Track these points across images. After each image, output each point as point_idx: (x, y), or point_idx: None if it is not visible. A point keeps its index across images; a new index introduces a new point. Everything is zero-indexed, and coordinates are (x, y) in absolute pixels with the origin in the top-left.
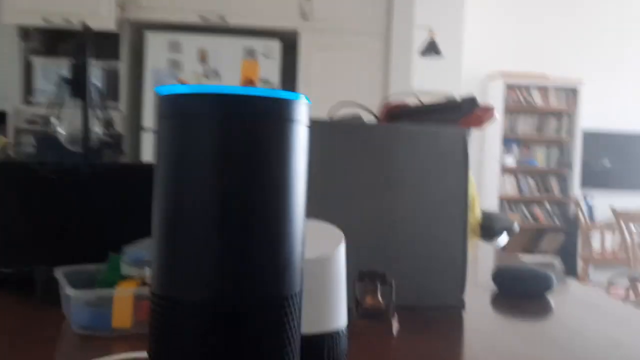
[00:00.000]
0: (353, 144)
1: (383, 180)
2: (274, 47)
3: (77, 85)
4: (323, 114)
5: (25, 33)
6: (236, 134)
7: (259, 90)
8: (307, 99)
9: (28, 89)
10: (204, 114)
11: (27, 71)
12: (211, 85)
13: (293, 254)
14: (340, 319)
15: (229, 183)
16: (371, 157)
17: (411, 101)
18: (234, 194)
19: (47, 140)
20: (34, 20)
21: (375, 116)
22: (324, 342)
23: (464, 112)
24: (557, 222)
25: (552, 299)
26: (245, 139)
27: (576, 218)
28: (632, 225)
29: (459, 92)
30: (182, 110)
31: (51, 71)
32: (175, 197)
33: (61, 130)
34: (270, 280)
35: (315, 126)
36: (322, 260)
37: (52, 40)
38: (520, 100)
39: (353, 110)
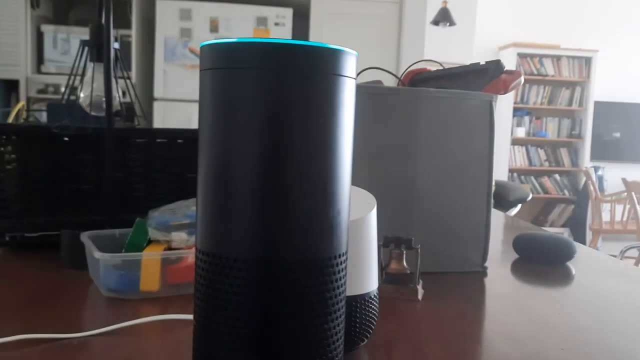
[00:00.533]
0: (378, 108)
1: (408, 146)
2: (286, 15)
3: (97, 48)
4: None
5: (35, 0)
6: (285, 87)
7: (308, 42)
8: (356, 53)
9: (39, 57)
10: (252, 66)
11: (38, 40)
12: (254, 38)
13: (340, 214)
14: (371, 283)
15: (278, 138)
16: (396, 121)
17: (435, 68)
18: (282, 149)
19: (59, 107)
20: None
21: (400, 80)
22: (357, 305)
23: (490, 77)
24: (567, 194)
25: (572, 266)
26: (294, 92)
27: (586, 189)
28: None
29: (471, 62)
30: (227, 62)
31: (61, 40)
32: (221, 153)
33: (82, 96)
34: (317, 239)
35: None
36: (356, 223)
37: (62, 8)
38: (533, 70)
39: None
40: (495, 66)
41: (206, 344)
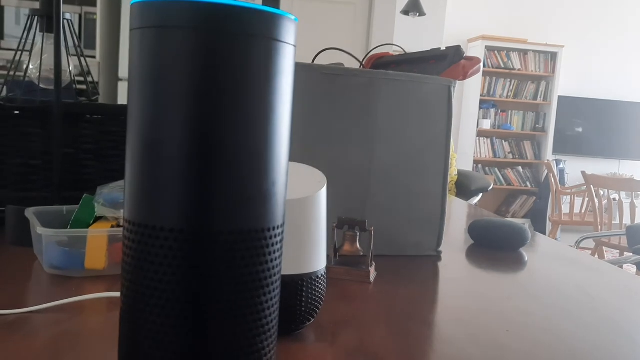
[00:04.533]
0: (336, 90)
1: (364, 127)
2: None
3: (48, 18)
4: None
5: None
6: (217, 49)
7: (245, 3)
8: (296, 19)
9: None
10: (180, 25)
11: None
12: None
13: (275, 185)
14: (319, 262)
15: (209, 104)
16: (354, 103)
17: (396, 54)
18: (213, 116)
19: (18, 82)
20: None
21: (361, 63)
22: (303, 283)
23: (449, 62)
24: (529, 186)
25: (526, 252)
26: (226, 55)
27: (547, 182)
28: (600, 190)
29: None
30: (157, 21)
31: (24, 15)
32: (150, 120)
33: (32, 68)
34: (250, 209)
35: (298, 70)
36: (304, 201)
37: None
38: (500, 63)
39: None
40: (454, 52)
41: (132, 317)
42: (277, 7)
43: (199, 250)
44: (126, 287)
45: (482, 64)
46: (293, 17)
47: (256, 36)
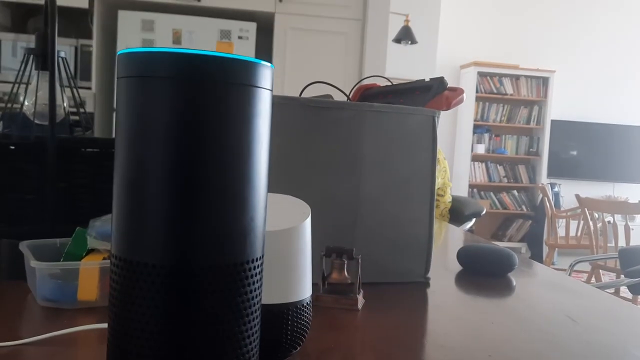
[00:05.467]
0: (322, 122)
1: (351, 158)
2: (250, 29)
3: (43, 56)
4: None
5: None
6: (195, 96)
7: (220, 53)
8: (272, 65)
9: None
10: (162, 75)
11: None
12: (170, 48)
13: (253, 220)
14: (304, 291)
15: (188, 148)
16: (340, 135)
17: (384, 84)
18: (193, 158)
19: (13, 116)
20: None
21: (347, 96)
22: (288, 312)
23: (433, 93)
24: (525, 209)
25: (515, 278)
26: (205, 102)
27: (543, 205)
28: (595, 213)
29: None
30: (140, 71)
31: (20, 48)
32: (134, 160)
33: (28, 104)
34: (229, 244)
35: (284, 104)
36: (288, 232)
37: (20, 16)
38: (492, 89)
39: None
40: (438, 83)
41: (118, 351)
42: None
43: (181, 285)
44: (112, 319)
45: (472, 94)
46: (269, 64)
47: (233, 83)
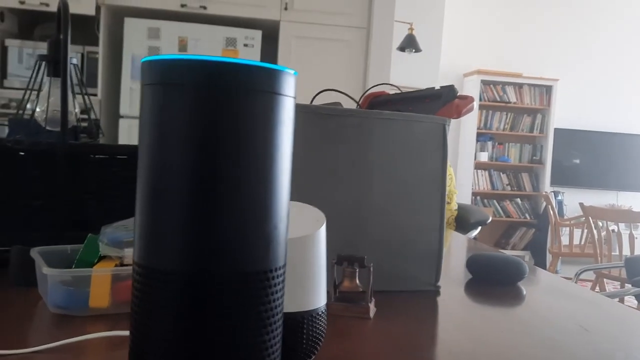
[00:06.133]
0: (332, 129)
1: (361, 166)
2: (255, 36)
3: (55, 63)
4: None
5: (0, 14)
6: (220, 104)
7: (246, 61)
8: (295, 72)
9: (3, 72)
10: (187, 82)
11: (2, 54)
12: (195, 55)
13: (276, 228)
14: (320, 299)
15: (212, 155)
16: (350, 142)
17: (393, 92)
18: (217, 166)
19: (21, 122)
20: (9, 1)
21: (357, 103)
22: (304, 321)
23: (443, 101)
24: (528, 217)
25: (524, 287)
26: (229, 110)
27: (546, 214)
28: (599, 222)
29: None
30: (164, 78)
31: (26, 55)
32: (157, 168)
33: (38, 110)
34: (252, 253)
35: (296, 111)
36: (303, 240)
37: (27, 23)
38: (496, 97)
39: (334, 99)
40: (448, 91)
41: (140, 356)
42: (275, 61)
43: (204, 293)
44: (135, 326)
45: (477, 100)
46: (292, 72)
47: (257, 91)
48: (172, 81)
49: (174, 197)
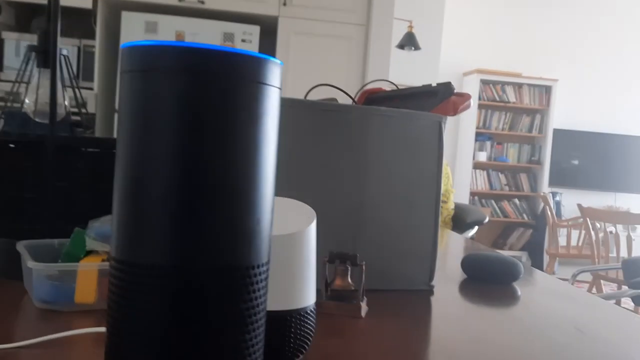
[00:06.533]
0: (327, 125)
1: (356, 163)
2: (253, 32)
3: (45, 54)
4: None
5: None
6: (201, 92)
7: (229, 48)
8: (281, 62)
9: None
10: (167, 69)
11: None
12: (176, 41)
13: (260, 223)
14: (308, 297)
15: (194, 145)
16: (345, 138)
17: (389, 89)
18: (197, 156)
19: (14, 114)
20: None
21: (353, 100)
22: (291, 319)
23: (440, 98)
24: (526, 218)
25: (519, 287)
26: (211, 98)
27: (544, 214)
28: (597, 223)
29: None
30: (144, 65)
31: (23, 48)
32: (136, 159)
33: (28, 102)
34: (234, 248)
35: (290, 106)
36: (292, 237)
37: (25, 16)
38: (495, 96)
39: (330, 95)
40: (445, 88)
41: (117, 355)
42: (274, 57)
43: (184, 287)
44: (111, 323)
45: (476, 99)
46: (277, 61)
47: (241, 80)
48: (152, 68)
49: (152, 188)
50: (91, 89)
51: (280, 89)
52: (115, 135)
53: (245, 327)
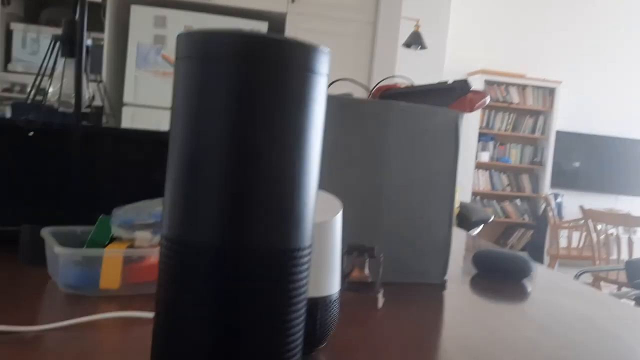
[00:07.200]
0: (348, 118)
1: (375, 157)
2: (261, 28)
3: (70, 43)
4: None
5: None
6: (255, 77)
7: (281, 36)
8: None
9: (7, 55)
10: (222, 55)
11: (7, 38)
12: (232, 29)
13: (306, 207)
14: (334, 285)
15: (247, 130)
16: (365, 132)
17: (404, 85)
18: (249, 141)
19: (24, 105)
20: None
21: (371, 94)
22: (317, 306)
23: (456, 95)
24: (527, 219)
25: (529, 283)
26: (264, 84)
27: (545, 215)
28: (598, 225)
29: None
30: (200, 51)
31: (30, 39)
32: (190, 142)
33: (52, 91)
34: (282, 230)
35: None
36: (321, 226)
37: (33, 7)
38: (499, 97)
39: (345, 90)
40: (462, 85)
41: (166, 333)
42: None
43: (234, 267)
44: (162, 302)
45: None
46: (327, 50)
47: (293, 67)
48: (208, 54)
49: (207, 172)
50: (100, 81)
51: (328, 76)
52: (122, 126)
53: (290, 307)
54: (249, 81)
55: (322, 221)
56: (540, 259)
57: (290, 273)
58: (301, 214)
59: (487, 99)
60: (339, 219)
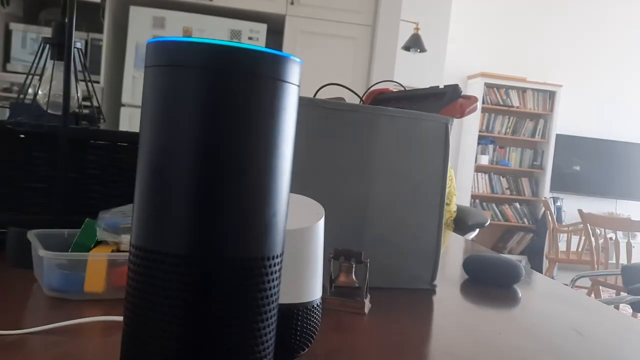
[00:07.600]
0: (335, 124)
1: (363, 162)
2: (260, 30)
3: (59, 46)
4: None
5: None
6: (224, 87)
7: (251, 45)
8: (300, 61)
9: (6, 56)
10: (191, 64)
11: (6, 38)
12: (201, 38)
13: (276, 215)
14: (314, 292)
15: (214, 137)
16: (352, 138)
17: (396, 90)
18: (217, 149)
19: (23, 106)
20: None
21: (361, 99)
22: (298, 313)
23: (447, 100)
24: (526, 222)
25: (520, 289)
26: (233, 93)
27: (544, 219)
28: (597, 229)
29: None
30: (169, 60)
31: (30, 40)
32: (159, 149)
33: (40, 94)
34: (251, 237)
35: (300, 104)
36: (301, 232)
37: (32, 7)
38: (499, 100)
39: (337, 94)
40: (452, 90)
41: (134, 341)
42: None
43: (202, 276)
44: (129, 310)
45: (480, 102)
46: (297, 59)
47: (262, 77)
48: (177, 63)
49: (174, 179)
50: (97, 82)
51: (298, 86)
52: (121, 128)
53: (259, 316)
54: (217, 90)
55: (304, 227)
56: (539, 263)
57: (260, 282)
58: (271, 223)
59: (478, 104)
60: (321, 225)
